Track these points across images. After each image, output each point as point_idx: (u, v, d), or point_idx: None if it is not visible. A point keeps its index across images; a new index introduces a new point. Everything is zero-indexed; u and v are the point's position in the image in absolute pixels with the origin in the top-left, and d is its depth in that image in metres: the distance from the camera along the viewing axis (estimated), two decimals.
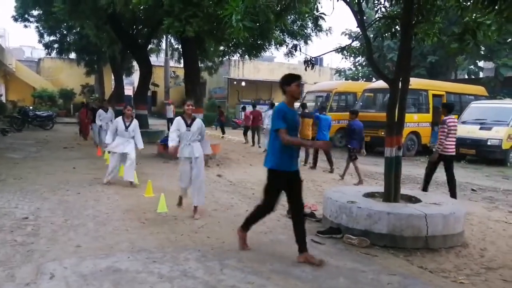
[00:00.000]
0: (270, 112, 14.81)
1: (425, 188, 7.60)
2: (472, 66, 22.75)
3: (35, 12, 20.82)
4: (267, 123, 14.06)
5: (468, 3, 5.03)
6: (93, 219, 5.51)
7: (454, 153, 7.44)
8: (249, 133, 16.83)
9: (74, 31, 22.30)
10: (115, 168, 7.98)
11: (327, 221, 5.37)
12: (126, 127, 7.87)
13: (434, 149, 7.80)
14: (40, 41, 23.99)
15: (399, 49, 5.57)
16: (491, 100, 16.14)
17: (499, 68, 20.34)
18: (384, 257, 4.42)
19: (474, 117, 13.57)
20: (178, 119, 6.13)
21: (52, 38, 24.20)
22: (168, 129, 19.06)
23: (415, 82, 13.43)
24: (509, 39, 20.38)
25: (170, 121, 20.89)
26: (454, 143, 7.39)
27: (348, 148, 9.29)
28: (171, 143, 5.95)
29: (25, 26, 22.04)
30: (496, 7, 3.92)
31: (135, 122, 8.02)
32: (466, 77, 23.07)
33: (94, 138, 12.48)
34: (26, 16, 21.22)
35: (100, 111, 12.59)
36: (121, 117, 8.04)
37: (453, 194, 7.32)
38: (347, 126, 9.70)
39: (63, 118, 28.03)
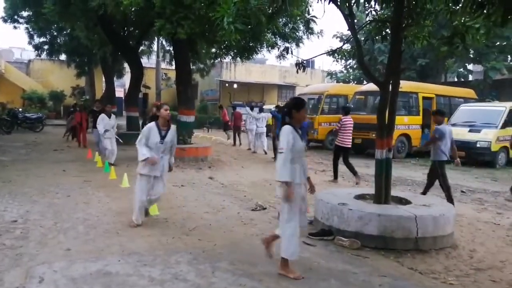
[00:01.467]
0: (263, 114, 14.88)
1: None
2: (461, 69, 23.01)
3: (24, 13, 20.61)
4: (249, 123, 15.10)
5: (457, 7, 5.07)
6: (83, 222, 5.46)
7: (349, 146, 9.30)
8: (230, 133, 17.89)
9: (65, 32, 22.14)
10: (145, 201, 5.45)
11: (319, 223, 5.38)
12: (162, 137, 5.32)
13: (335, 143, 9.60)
14: (30, 43, 23.79)
15: (390, 52, 5.62)
16: (480, 102, 16.35)
17: (488, 71, 20.60)
18: (375, 258, 4.45)
19: (464, 119, 13.72)
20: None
21: (42, 39, 24.00)
22: None
23: (405, 85, 13.56)
24: (498, 43, 20.66)
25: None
26: (350, 137, 9.25)
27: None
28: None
29: (15, 27, 21.75)
30: (485, 11, 3.98)
31: (173, 130, 5.47)
32: (456, 80, 23.32)
33: (100, 148, 10.55)
34: (16, 17, 21.00)
35: (103, 115, 10.40)
36: (153, 122, 5.46)
37: (335, 176, 9.46)
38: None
39: (53, 120, 27.77)
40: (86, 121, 14.80)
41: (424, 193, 7.23)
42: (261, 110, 15.14)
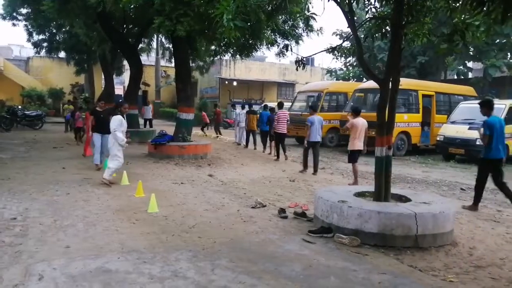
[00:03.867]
0: (243, 111, 15.35)
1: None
2: (461, 67, 23.00)
3: (23, 10, 20.55)
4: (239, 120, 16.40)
5: (457, 4, 5.07)
6: (82, 220, 5.46)
7: (284, 132, 12.17)
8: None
9: (64, 29, 22.05)
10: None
11: (318, 221, 5.38)
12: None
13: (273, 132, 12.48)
14: (29, 40, 23.70)
15: (389, 49, 5.61)
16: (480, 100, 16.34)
17: (488, 68, 20.60)
18: (374, 256, 4.45)
19: (463, 117, 13.72)
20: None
21: (41, 36, 23.93)
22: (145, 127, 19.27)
23: (405, 82, 13.56)
24: (497, 40, 20.64)
25: (148, 121, 20.68)
26: (285, 126, 12.15)
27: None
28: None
29: (14, 25, 21.71)
30: (485, 9, 3.96)
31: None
32: (456, 77, 23.32)
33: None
34: (15, 14, 20.92)
35: (119, 117, 8.00)
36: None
37: (277, 154, 12.25)
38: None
39: (52, 117, 27.73)
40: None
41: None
42: (265, 108, 15.19)
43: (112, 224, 5.29)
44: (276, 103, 14.52)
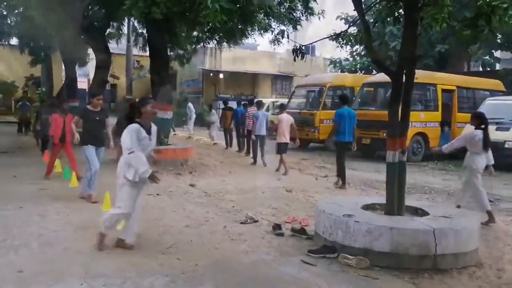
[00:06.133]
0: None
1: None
2: (487, 57, 23.25)
3: None
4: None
5: None
6: (38, 238, 5.41)
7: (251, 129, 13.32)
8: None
9: (16, 11, 21.88)
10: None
11: (320, 238, 5.39)
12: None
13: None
14: None
15: (403, 36, 5.66)
16: (509, 96, 16.50)
17: None
18: (386, 280, 4.47)
19: (490, 115, 13.70)
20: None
21: None
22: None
23: (421, 75, 13.64)
24: None
25: (156, 121, 20.98)
26: (251, 123, 13.30)
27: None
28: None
29: None
30: None
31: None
32: (481, 69, 23.56)
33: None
34: None
35: (137, 127, 5.27)
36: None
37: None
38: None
39: (4, 116, 27.48)
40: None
41: None
42: (251, 103, 15.47)
43: (74, 244, 5.24)
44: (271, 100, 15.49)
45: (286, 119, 11.58)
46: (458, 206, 7.14)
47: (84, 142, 7.61)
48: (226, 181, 10.12)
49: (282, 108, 13.08)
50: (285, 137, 11.43)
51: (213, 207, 7.44)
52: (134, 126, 4.96)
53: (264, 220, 6.64)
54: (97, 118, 7.70)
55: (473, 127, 7.30)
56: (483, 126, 7.15)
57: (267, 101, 22.92)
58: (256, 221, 6.52)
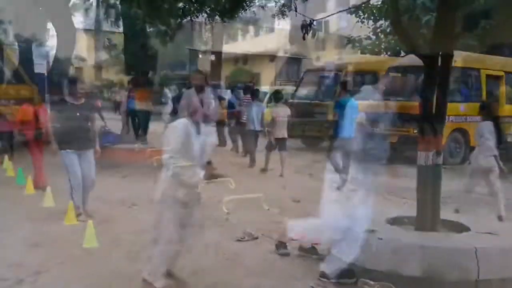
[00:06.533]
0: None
1: None
2: None
3: None
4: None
5: None
6: None
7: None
8: None
9: None
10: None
11: (335, 259, 5.40)
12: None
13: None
14: None
15: (438, 8, 5.67)
16: None
17: None
18: None
19: None
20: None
21: None
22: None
23: (462, 58, 13.66)
24: None
25: (133, 114, 19.76)
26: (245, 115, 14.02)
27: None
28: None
29: None
30: None
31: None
32: None
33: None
34: None
35: (183, 122, 5.26)
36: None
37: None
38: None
39: None
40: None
41: None
42: (247, 89, 16.00)
43: (31, 265, 5.26)
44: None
45: (283, 111, 12.22)
46: (500, 217, 7.16)
47: (63, 146, 7.20)
48: (219, 188, 10.10)
49: (277, 97, 13.32)
50: (283, 132, 12.01)
51: (204, 220, 7.43)
52: (181, 122, 4.82)
53: (266, 237, 6.65)
54: (78, 114, 7.29)
55: None
56: None
57: (266, 89, 22.93)
58: (256, 238, 6.55)
